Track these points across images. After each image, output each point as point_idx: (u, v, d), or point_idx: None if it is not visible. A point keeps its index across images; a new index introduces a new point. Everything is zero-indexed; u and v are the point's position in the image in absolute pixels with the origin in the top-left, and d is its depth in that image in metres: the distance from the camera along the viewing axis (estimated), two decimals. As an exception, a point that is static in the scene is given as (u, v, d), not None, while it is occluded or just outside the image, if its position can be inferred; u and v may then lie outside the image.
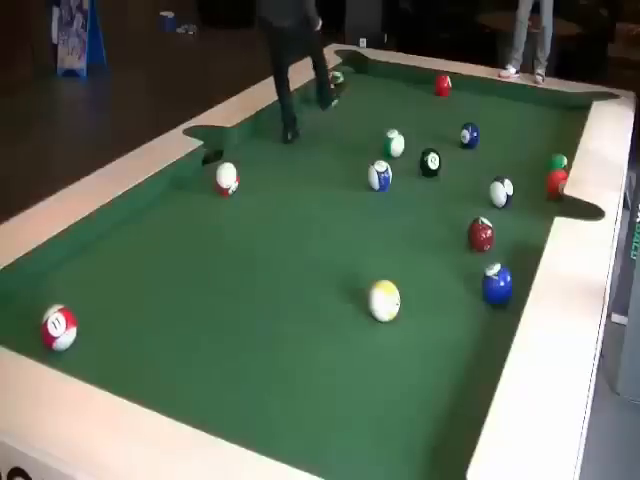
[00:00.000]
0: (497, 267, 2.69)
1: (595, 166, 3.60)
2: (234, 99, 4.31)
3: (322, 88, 4.27)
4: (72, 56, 7.87)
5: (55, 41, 7.92)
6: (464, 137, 4.11)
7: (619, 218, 3.18)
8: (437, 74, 4.90)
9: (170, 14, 9.56)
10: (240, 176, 3.48)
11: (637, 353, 3.32)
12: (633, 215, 3.96)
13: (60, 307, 2.38)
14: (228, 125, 3.95)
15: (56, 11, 7.87)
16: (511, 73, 5.10)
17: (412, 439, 2.04)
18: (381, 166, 3.56)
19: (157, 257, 2.99)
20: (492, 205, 3.45)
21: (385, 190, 3.56)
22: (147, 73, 7.74)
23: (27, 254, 2.70)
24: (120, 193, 3.13)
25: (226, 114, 4.08)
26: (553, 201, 3.40)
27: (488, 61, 5.59)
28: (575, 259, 2.83)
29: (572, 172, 3.50)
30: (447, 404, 2.25)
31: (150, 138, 3.66)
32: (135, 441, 1.87)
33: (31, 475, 1.80)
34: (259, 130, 4.12)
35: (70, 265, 2.84)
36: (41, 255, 2.75)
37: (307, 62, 4.25)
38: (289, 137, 4.04)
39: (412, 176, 3.74)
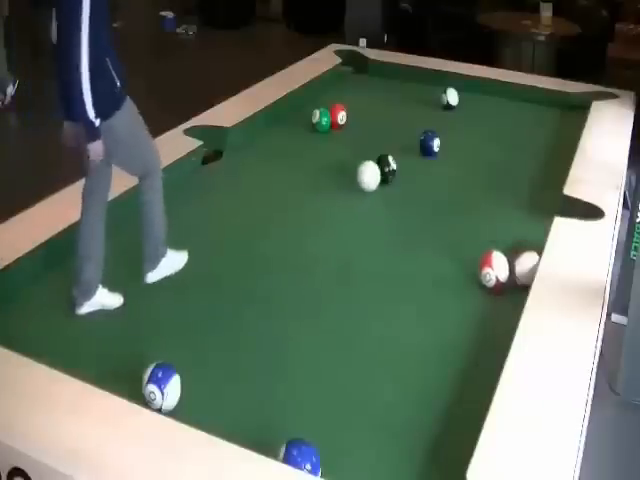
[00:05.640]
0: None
1: (595, 166, 3.59)
2: (234, 99, 4.31)
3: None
4: (72, 56, 7.86)
5: (55, 41, 7.92)
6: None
7: (619, 218, 3.18)
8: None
9: (170, 14, 9.56)
10: (240, 175, 3.49)
11: (637, 353, 3.32)
12: (633, 215, 3.96)
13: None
14: (228, 125, 3.95)
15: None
16: None
17: (412, 439, 2.04)
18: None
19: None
20: (491, 202, 3.45)
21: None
22: (147, 73, 7.72)
23: (27, 254, 2.70)
24: (120, 193, 3.13)
25: (226, 114, 4.08)
26: (553, 200, 3.40)
27: (488, 61, 5.59)
28: (575, 259, 2.82)
29: (572, 172, 3.50)
30: (447, 404, 2.25)
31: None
32: (134, 441, 1.87)
33: (31, 475, 1.80)
34: (259, 129, 4.11)
35: (70, 265, 2.84)
36: (41, 255, 2.75)
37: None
38: None
39: (412, 175, 3.75)
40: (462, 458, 1.87)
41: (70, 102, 2.33)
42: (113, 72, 2.44)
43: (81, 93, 2.27)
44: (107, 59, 2.41)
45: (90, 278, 2.57)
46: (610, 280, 2.75)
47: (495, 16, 7.35)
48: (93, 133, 2.36)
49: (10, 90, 6.27)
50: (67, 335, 2.48)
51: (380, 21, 7.96)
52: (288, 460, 1.87)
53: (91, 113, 2.32)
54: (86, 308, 2.58)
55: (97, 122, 2.35)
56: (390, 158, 3.63)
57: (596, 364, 2.28)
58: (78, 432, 1.88)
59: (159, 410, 2.11)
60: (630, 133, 4.03)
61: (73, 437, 1.86)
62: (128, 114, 2.53)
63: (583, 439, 1.98)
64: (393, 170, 3.62)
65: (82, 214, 2.59)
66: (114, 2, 8.36)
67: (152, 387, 2.12)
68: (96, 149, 2.39)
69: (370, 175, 3.54)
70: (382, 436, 2.12)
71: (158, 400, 2.12)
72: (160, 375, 2.14)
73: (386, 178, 3.60)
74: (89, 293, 2.57)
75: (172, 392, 2.15)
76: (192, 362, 2.36)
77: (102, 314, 2.61)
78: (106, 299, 2.61)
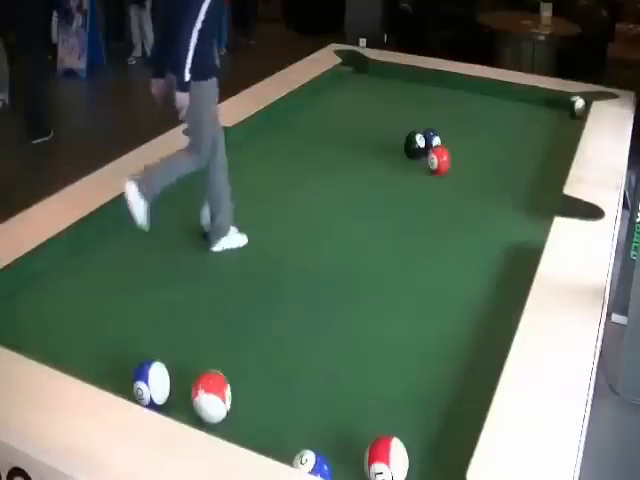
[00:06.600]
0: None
1: (595, 166, 3.59)
2: (234, 99, 4.31)
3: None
4: (72, 56, 7.87)
5: (55, 41, 7.92)
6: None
7: (619, 218, 3.18)
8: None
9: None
10: (240, 175, 3.48)
11: (637, 353, 3.32)
12: (633, 215, 3.96)
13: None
14: (228, 124, 3.94)
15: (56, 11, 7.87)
16: None
17: (412, 439, 2.04)
18: None
19: (158, 256, 2.99)
20: (491, 202, 3.45)
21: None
22: (147, 73, 7.77)
23: (27, 254, 2.70)
24: (120, 193, 3.13)
25: (226, 114, 4.06)
26: (553, 200, 3.40)
27: (488, 61, 5.59)
28: (575, 259, 2.83)
29: (572, 172, 3.50)
30: (447, 404, 2.25)
31: (150, 138, 3.65)
32: (134, 440, 1.87)
33: (31, 475, 1.80)
34: (259, 129, 4.11)
35: (70, 265, 2.84)
36: (41, 255, 2.75)
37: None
38: None
39: (414, 175, 3.75)
40: (462, 458, 1.87)
41: (176, 54, 2.78)
42: (214, 49, 2.95)
43: (187, 49, 2.74)
44: (211, 37, 2.92)
45: (222, 223, 3.03)
46: (610, 280, 2.76)
47: (495, 16, 7.35)
48: (183, 84, 2.80)
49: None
50: (67, 335, 2.48)
51: (380, 21, 7.98)
52: (315, 470, 1.87)
53: (188, 66, 2.77)
54: (219, 247, 3.02)
55: (187, 76, 2.78)
56: (418, 137, 3.88)
57: (596, 364, 2.28)
58: (78, 432, 1.88)
59: (152, 403, 2.12)
60: (630, 133, 4.03)
61: (73, 437, 1.86)
62: (210, 90, 2.92)
63: (583, 439, 1.98)
64: (420, 147, 3.88)
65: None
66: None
67: (137, 384, 2.14)
68: (181, 97, 2.83)
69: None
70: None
71: (146, 393, 2.13)
72: (140, 370, 2.16)
73: (413, 154, 3.88)
74: (221, 234, 3.03)
75: (157, 383, 2.16)
76: (192, 362, 2.36)
77: (103, 314, 2.61)
78: (236, 239, 3.06)
